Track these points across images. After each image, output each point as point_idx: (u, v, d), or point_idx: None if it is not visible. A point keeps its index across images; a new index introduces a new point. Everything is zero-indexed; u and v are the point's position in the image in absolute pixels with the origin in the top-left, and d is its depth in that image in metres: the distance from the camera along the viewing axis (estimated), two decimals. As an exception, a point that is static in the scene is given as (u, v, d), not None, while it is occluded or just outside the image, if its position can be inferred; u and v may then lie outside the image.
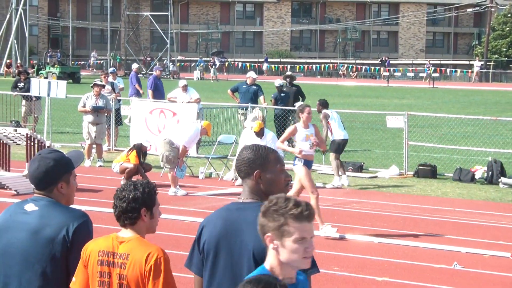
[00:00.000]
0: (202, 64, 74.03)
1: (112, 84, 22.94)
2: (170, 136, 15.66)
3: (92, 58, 79.96)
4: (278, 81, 23.60)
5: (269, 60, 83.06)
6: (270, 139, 16.06)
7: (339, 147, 17.53)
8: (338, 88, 60.96)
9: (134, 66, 28.08)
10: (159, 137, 16.34)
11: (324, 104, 17.91)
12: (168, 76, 70.48)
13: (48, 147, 15.23)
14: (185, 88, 21.63)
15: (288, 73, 25.16)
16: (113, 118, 21.64)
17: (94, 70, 75.49)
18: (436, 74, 70.92)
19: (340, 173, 17.30)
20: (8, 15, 69.10)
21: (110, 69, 26.38)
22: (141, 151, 16.49)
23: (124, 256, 4.44)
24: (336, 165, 17.29)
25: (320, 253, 10.72)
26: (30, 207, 4.70)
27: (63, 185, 4.77)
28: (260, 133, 16.11)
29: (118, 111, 22.28)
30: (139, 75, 26.50)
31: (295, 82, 23.73)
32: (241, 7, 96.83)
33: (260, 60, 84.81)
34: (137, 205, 4.46)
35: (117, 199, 4.50)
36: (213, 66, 71.81)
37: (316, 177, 18.11)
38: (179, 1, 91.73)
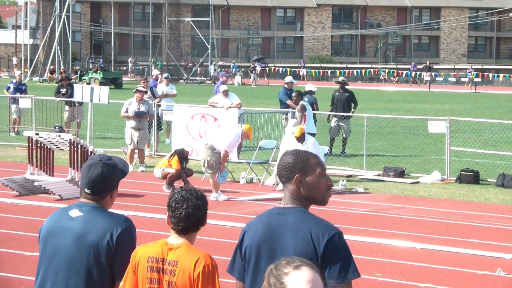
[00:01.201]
0: (235, 70, 74.16)
1: (151, 89, 23.09)
2: (211, 141, 15.71)
3: (130, 64, 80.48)
4: (310, 85, 23.49)
5: (310, 65, 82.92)
6: (311, 145, 16.06)
7: None
8: (379, 93, 60.68)
9: (155, 72, 28.04)
10: (201, 142, 16.39)
11: (301, 95, 18.75)
12: (209, 82, 70.75)
13: (91, 152, 15.33)
14: (226, 93, 21.66)
15: (340, 78, 24.65)
16: (154, 124, 21.76)
17: (134, 75, 75.99)
18: (478, 79, 70.20)
19: None
20: (51, 22, 69.91)
21: (165, 75, 26.48)
22: (182, 156, 16.56)
23: (173, 263, 4.53)
24: None
25: (362, 259, 10.67)
26: (75, 212, 4.74)
27: (115, 192, 4.86)
28: (301, 138, 16.10)
29: (158, 116, 22.43)
30: (157, 83, 25.98)
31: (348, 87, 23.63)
32: (281, 13, 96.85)
33: (300, 65, 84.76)
34: (205, 212, 4.72)
35: (190, 207, 4.65)
36: (253, 72, 71.89)
37: (357, 183, 18.05)
38: (220, 6, 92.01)
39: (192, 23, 78.43)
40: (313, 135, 18.10)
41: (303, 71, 79.06)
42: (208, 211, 4.78)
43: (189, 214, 4.63)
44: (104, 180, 4.74)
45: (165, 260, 4.55)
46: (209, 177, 15.89)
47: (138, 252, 4.62)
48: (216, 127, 19.78)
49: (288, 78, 23.10)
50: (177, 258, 4.53)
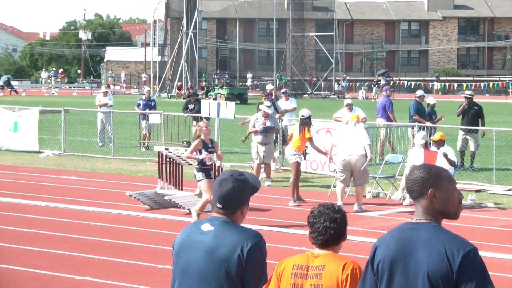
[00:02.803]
0: (343, 83, 73.80)
1: (274, 104, 23.20)
2: (355, 149, 15.99)
3: (249, 80, 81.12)
4: (430, 98, 23.36)
5: (434, 78, 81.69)
6: (444, 152, 16.07)
7: None
8: (508, 106, 59.05)
9: (269, 87, 28.08)
10: (348, 155, 16.13)
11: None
12: (334, 96, 70.66)
13: (219, 167, 15.55)
14: (350, 107, 21.55)
15: (468, 92, 24.07)
16: (280, 138, 21.87)
17: (259, 90, 76.67)
18: None
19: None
20: (179, 39, 71.47)
21: (283, 90, 26.63)
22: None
23: (320, 267, 4.77)
24: None
25: (493, 275, 10.39)
26: (206, 227, 4.78)
27: (246, 207, 4.89)
28: (439, 143, 16.26)
29: (283, 131, 22.50)
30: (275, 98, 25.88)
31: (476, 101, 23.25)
32: (406, 26, 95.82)
33: (426, 78, 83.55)
34: (344, 225, 4.94)
35: (328, 221, 4.88)
36: (376, 86, 71.34)
37: (486, 197, 17.63)
38: (344, 21, 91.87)
39: (316, 38, 78.63)
40: None
41: (436, 85, 77.86)
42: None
43: (326, 228, 4.85)
44: (235, 195, 4.78)
45: (310, 267, 4.79)
46: (359, 189, 16.12)
47: (284, 262, 4.88)
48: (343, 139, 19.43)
49: (420, 92, 23.29)
50: (324, 263, 4.78)
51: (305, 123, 16.92)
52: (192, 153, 14.51)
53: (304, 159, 17.39)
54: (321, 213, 4.87)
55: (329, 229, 4.83)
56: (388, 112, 23.79)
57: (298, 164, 16.76)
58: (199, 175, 14.49)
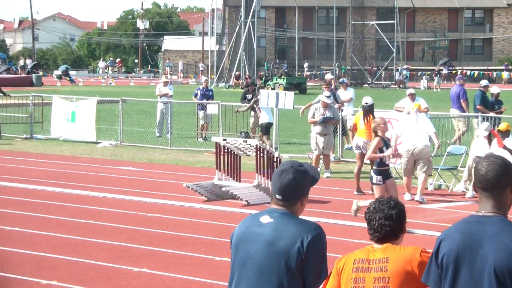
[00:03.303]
0: (404, 72, 72.60)
1: (334, 94, 22.89)
2: (420, 139, 15.90)
3: (305, 69, 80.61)
4: (494, 88, 22.87)
5: (499, 67, 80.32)
6: None
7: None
8: None
9: (328, 76, 27.93)
10: (413, 146, 16.01)
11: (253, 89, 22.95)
12: (394, 86, 69.96)
13: (277, 158, 15.41)
14: (412, 97, 21.17)
15: None
16: (339, 129, 21.61)
17: (318, 80, 76.28)
18: None
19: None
20: (237, 28, 71.38)
21: (340, 80, 26.40)
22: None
23: (384, 260, 4.80)
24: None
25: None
26: (266, 219, 4.73)
27: (305, 199, 4.82)
28: (506, 134, 16.10)
29: (343, 121, 22.26)
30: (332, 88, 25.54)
31: None
32: (469, 14, 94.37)
33: (490, 68, 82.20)
34: (402, 220, 4.92)
35: (382, 218, 4.88)
36: (437, 75, 70.38)
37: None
38: (405, 9, 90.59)
39: (376, 26, 77.88)
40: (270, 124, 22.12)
41: (507, 74, 76.48)
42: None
43: (382, 225, 4.86)
44: (295, 186, 4.71)
45: (371, 260, 4.81)
46: (422, 177, 15.87)
47: (344, 257, 4.92)
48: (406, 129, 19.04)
49: (484, 82, 23.17)
50: (387, 255, 4.80)
51: (369, 110, 16.92)
52: (374, 153, 13.57)
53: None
54: (376, 209, 4.86)
55: (385, 226, 4.84)
56: (462, 101, 23.43)
57: (363, 155, 16.60)
58: (377, 179, 13.52)
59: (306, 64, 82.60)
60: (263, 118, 22.79)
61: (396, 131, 16.74)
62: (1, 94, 32.17)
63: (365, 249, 4.89)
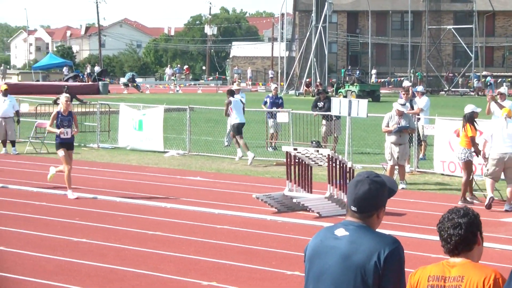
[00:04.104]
0: (490, 80, 70.85)
1: (411, 101, 22.29)
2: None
3: (373, 76, 78.68)
4: None
5: None
6: None
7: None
8: None
9: (406, 84, 27.35)
10: (497, 152, 15.78)
11: (230, 93, 24.03)
12: (472, 93, 68.50)
13: (350, 168, 14.99)
14: (503, 97, 21.05)
15: None
16: (415, 138, 20.99)
17: (392, 87, 75.25)
18: None
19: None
20: (308, 33, 70.66)
21: (415, 87, 25.80)
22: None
23: (458, 278, 4.57)
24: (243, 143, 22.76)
25: None
26: (341, 232, 4.64)
27: (382, 211, 4.70)
28: None
29: (419, 130, 21.63)
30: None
31: None
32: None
33: None
34: (474, 229, 4.62)
35: (451, 228, 4.61)
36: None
37: None
38: (485, 12, 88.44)
39: (454, 31, 76.38)
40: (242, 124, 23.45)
41: None
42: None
43: (450, 235, 4.63)
44: (371, 197, 4.61)
45: (447, 278, 4.61)
46: (511, 188, 15.64)
47: (418, 272, 4.73)
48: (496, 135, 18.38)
49: None
50: (462, 273, 4.57)
51: (466, 120, 16.55)
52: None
53: (477, 155, 16.70)
54: (446, 219, 4.67)
55: (454, 236, 4.62)
56: None
57: (469, 163, 16.46)
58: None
59: (374, 71, 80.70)
60: (234, 119, 23.23)
61: (485, 135, 16.44)
62: (78, 102, 32.40)
63: (439, 264, 4.69)
